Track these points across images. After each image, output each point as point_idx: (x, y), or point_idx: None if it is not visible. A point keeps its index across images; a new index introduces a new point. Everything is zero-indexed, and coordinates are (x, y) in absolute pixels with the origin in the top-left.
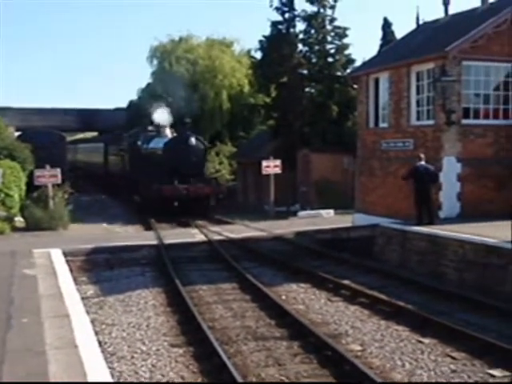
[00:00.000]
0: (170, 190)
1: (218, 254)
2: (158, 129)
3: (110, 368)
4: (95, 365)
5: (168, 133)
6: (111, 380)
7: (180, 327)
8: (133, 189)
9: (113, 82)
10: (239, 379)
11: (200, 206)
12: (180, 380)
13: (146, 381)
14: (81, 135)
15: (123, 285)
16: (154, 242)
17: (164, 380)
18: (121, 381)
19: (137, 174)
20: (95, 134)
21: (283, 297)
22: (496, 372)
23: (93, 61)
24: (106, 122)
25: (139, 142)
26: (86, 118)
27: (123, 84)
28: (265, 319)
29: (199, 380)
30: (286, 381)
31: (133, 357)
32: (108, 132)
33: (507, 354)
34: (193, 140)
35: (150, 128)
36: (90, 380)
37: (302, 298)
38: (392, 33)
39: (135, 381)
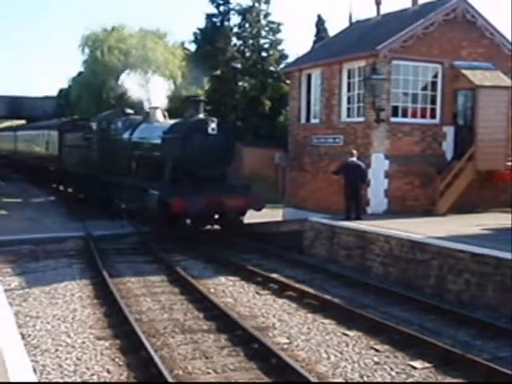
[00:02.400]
0: (182, 204)
1: (147, 246)
2: (143, 112)
3: (33, 361)
4: (17, 358)
5: (159, 117)
6: (33, 374)
7: (107, 320)
8: (108, 194)
9: (43, 70)
10: (165, 372)
11: (227, 224)
12: (105, 373)
13: (71, 373)
14: (8, 123)
15: (49, 276)
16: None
17: (88, 373)
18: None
19: (114, 175)
20: (23, 121)
21: (212, 290)
22: (417, 364)
23: (24, 47)
24: (34, 110)
25: (115, 131)
26: (13, 106)
27: (54, 72)
28: (193, 312)
29: (125, 374)
30: (213, 374)
31: (57, 350)
32: (36, 120)
33: (428, 346)
34: (214, 126)
35: (128, 111)
36: (12, 375)
37: (231, 291)
38: (325, 30)
39: (59, 374)
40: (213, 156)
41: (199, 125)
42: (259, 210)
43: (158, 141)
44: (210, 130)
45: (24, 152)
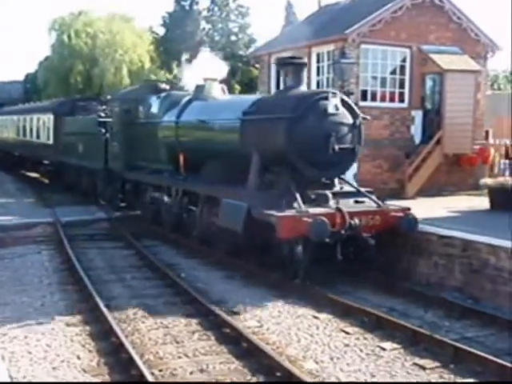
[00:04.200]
0: (299, 225)
1: (117, 232)
2: (181, 86)
3: (1, 349)
4: None
5: (218, 92)
6: (1, 361)
7: (76, 306)
8: (134, 199)
9: (10, 54)
10: (136, 357)
11: (357, 254)
12: (75, 360)
13: (41, 360)
14: None
15: (17, 263)
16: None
17: (58, 360)
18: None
19: (147, 172)
20: None
21: (182, 274)
22: (386, 345)
23: None
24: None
25: (149, 112)
26: None
27: (22, 56)
28: (164, 297)
29: (95, 360)
30: (184, 358)
31: (26, 337)
32: (1, 105)
33: (396, 327)
34: (337, 103)
35: (163, 86)
36: None
37: (203, 276)
38: (294, 14)
39: (28, 362)
40: (333, 149)
41: (313, 100)
42: (412, 230)
43: (234, 124)
44: (330, 109)
45: (5, 141)
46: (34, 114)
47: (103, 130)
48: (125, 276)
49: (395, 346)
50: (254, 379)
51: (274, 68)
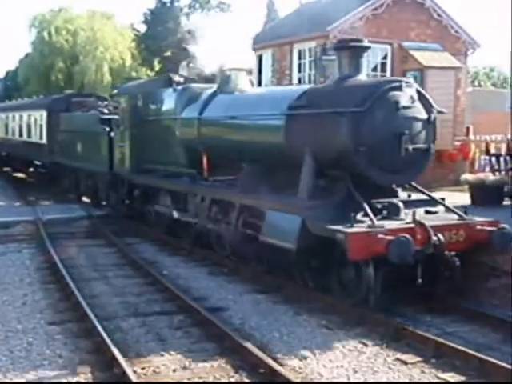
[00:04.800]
0: (374, 244)
1: (98, 229)
2: (199, 77)
3: None
4: None
5: (245, 84)
6: None
7: (58, 305)
8: (144, 206)
9: None
10: (119, 355)
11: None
12: (57, 358)
13: (22, 359)
14: None
15: None
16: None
17: (39, 358)
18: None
19: (162, 176)
20: None
21: (165, 272)
22: (368, 341)
23: None
24: None
25: (164, 108)
26: None
27: (2, 54)
28: (146, 295)
29: (77, 358)
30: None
31: (7, 336)
32: None
33: (378, 323)
34: (412, 94)
35: (177, 78)
36: None
37: (185, 273)
38: (276, 11)
39: (10, 361)
40: (406, 149)
41: (383, 90)
42: (508, 248)
43: (277, 120)
44: (404, 101)
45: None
46: (25, 111)
47: (107, 129)
48: (107, 274)
49: (378, 342)
50: (237, 376)
51: (255, 65)
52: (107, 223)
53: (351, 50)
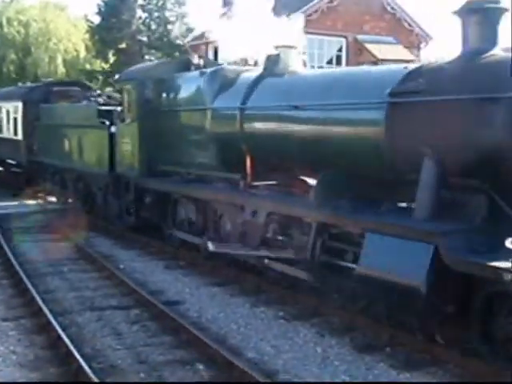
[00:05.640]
0: None
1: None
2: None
3: None
4: None
5: (297, 65)
6: None
7: (12, 301)
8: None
9: None
10: (74, 351)
11: None
12: (11, 355)
13: None
14: None
15: None
16: None
17: None
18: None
19: (186, 181)
20: None
21: (121, 266)
22: (325, 332)
23: None
24: None
25: (185, 97)
26: None
27: None
28: (102, 289)
29: (31, 354)
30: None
31: None
32: None
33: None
34: None
35: (196, 60)
36: None
37: (141, 267)
38: (231, 3)
39: None
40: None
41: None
42: None
43: (371, 112)
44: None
45: None
46: None
47: (107, 122)
48: (62, 269)
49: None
50: (194, 368)
51: (211, 57)
52: (62, 217)
53: (484, 14)
